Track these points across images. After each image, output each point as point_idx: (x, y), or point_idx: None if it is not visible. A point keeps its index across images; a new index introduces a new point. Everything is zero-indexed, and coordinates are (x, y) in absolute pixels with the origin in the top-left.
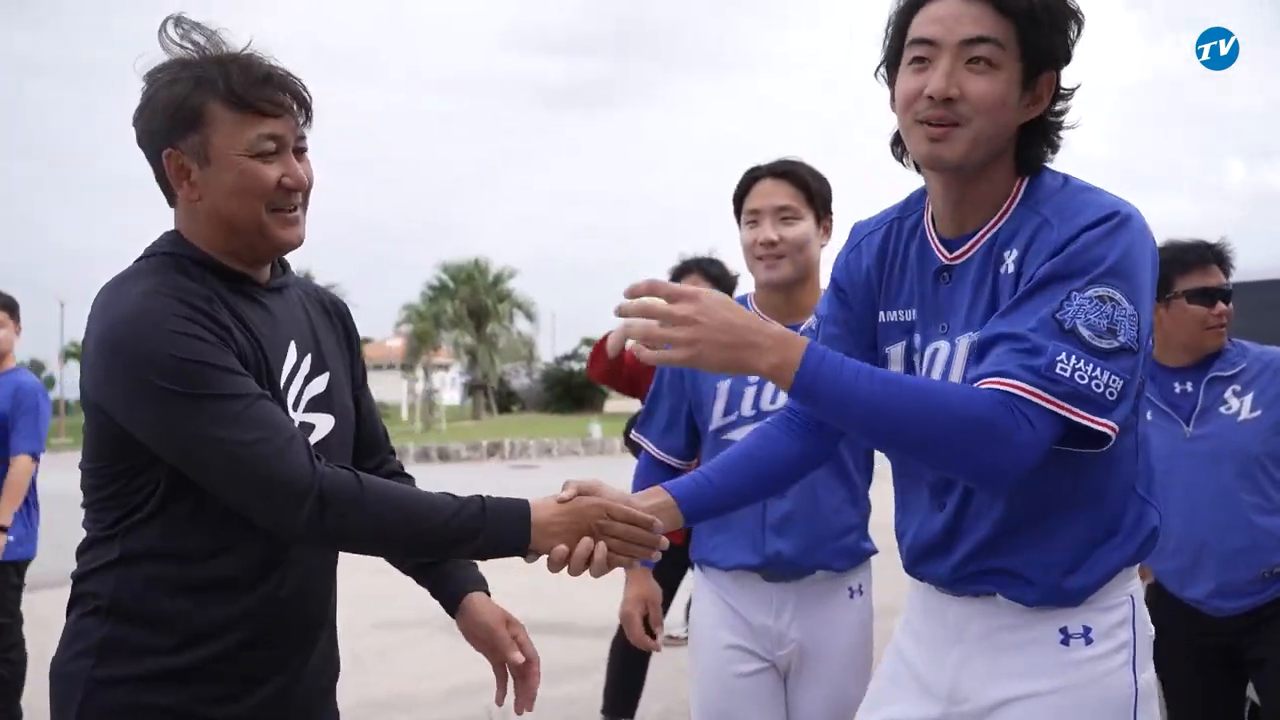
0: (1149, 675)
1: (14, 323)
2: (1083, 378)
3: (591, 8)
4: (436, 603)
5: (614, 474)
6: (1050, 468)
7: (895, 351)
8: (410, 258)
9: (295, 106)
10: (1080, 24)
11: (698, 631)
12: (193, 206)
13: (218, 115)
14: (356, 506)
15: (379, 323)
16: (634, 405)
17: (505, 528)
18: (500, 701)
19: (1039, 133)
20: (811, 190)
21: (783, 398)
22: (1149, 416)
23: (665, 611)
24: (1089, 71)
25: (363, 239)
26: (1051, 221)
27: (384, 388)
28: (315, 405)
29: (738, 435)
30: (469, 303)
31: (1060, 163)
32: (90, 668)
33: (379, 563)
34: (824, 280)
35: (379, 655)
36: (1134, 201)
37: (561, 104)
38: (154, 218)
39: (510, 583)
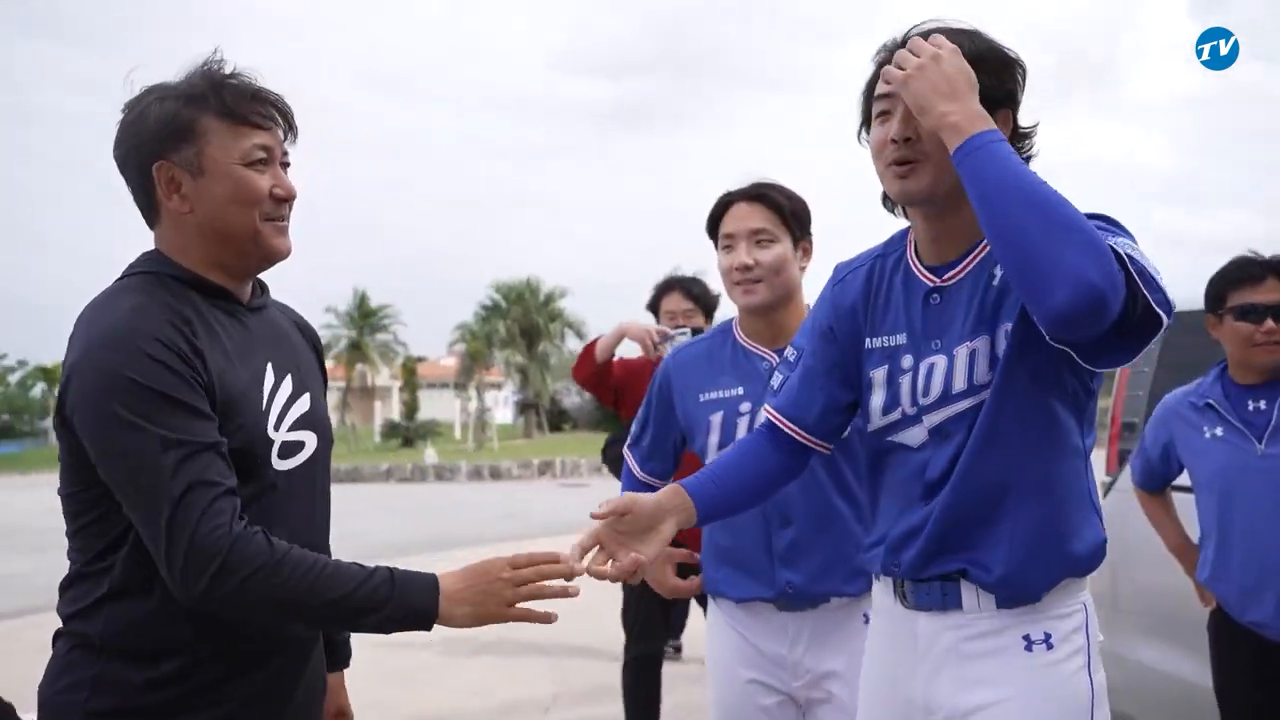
0: (1101, 677)
1: None
2: (1149, 266)
3: (637, 28)
4: None
5: None
6: (1019, 454)
7: (879, 375)
8: (460, 278)
9: (281, 121)
10: (1023, 70)
11: (714, 664)
12: (182, 220)
13: (211, 128)
14: (261, 576)
15: (431, 342)
16: None
17: (414, 597)
18: None
19: None
20: (786, 212)
21: None
22: (1219, 433)
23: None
24: (1152, 83)
25: (414, 259)
26: None
27: (437, 406)
28: (301, 424)
29: None
30: (521, 322)
31: (1123, 175)
32: (84, 700)
33: None
34: (810, 298)
35: (430, 673)
36: (1201, 216)
37: (609, 124)
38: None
39: (562, 603)
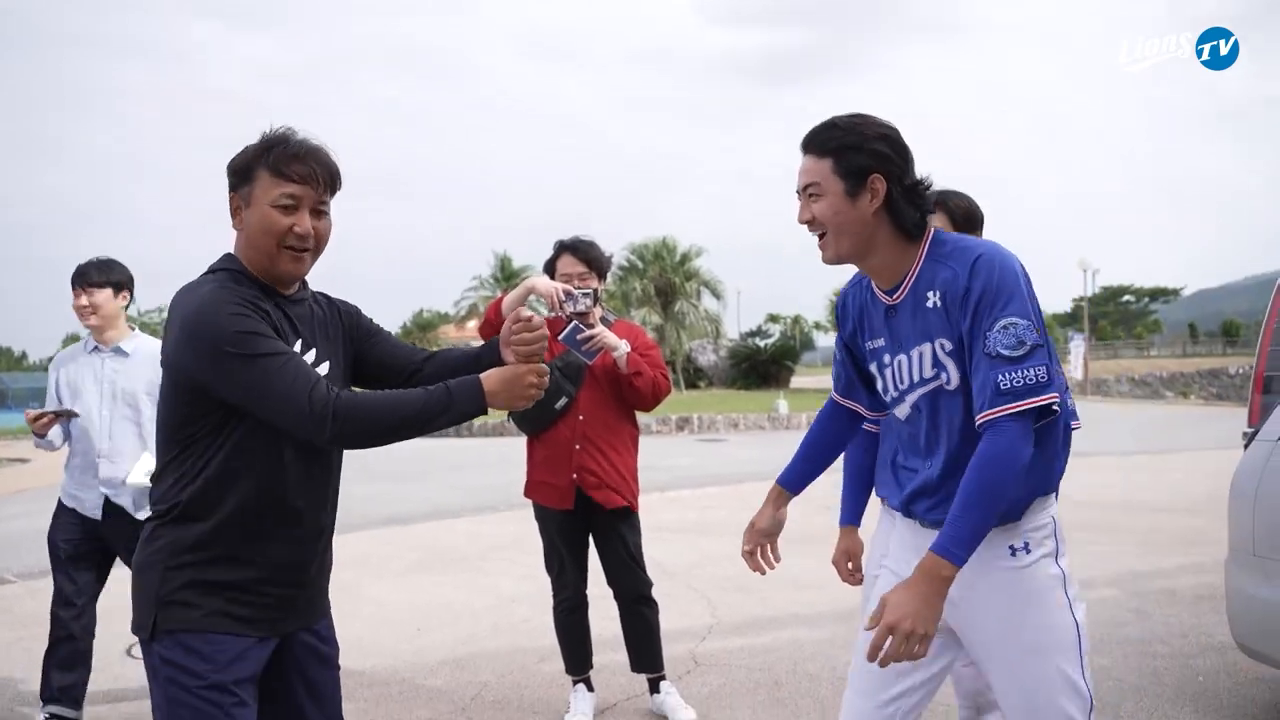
0: (1066, 563)
1: None
2: (1029, 378)
3: None
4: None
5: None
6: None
7: (874, 367)
8: (605, 238)
9: (320, 178)
10: (888, 138)
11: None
12: (240, 234)
13: (260, 176)
14: (360, 412)
15: None
16: (826, 381)
17: (467, 398)
18: None
19: (896, 210)
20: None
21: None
22: None
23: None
24: None
25: (552, 223)
26: (956, 270)
27: None
28: None
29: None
30: (657, 282)
31: None
32: (164, 558)
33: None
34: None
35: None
36: None
37: (761, 79)
38: (404, 209)
39: (709, 548)
